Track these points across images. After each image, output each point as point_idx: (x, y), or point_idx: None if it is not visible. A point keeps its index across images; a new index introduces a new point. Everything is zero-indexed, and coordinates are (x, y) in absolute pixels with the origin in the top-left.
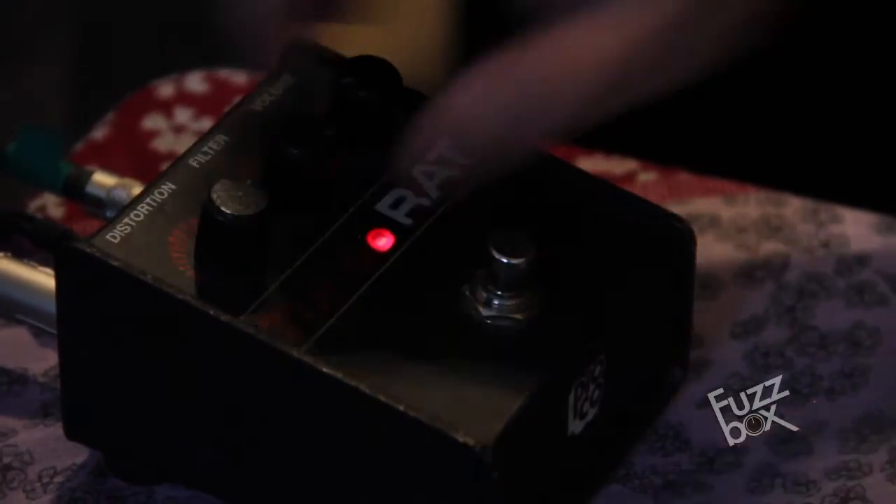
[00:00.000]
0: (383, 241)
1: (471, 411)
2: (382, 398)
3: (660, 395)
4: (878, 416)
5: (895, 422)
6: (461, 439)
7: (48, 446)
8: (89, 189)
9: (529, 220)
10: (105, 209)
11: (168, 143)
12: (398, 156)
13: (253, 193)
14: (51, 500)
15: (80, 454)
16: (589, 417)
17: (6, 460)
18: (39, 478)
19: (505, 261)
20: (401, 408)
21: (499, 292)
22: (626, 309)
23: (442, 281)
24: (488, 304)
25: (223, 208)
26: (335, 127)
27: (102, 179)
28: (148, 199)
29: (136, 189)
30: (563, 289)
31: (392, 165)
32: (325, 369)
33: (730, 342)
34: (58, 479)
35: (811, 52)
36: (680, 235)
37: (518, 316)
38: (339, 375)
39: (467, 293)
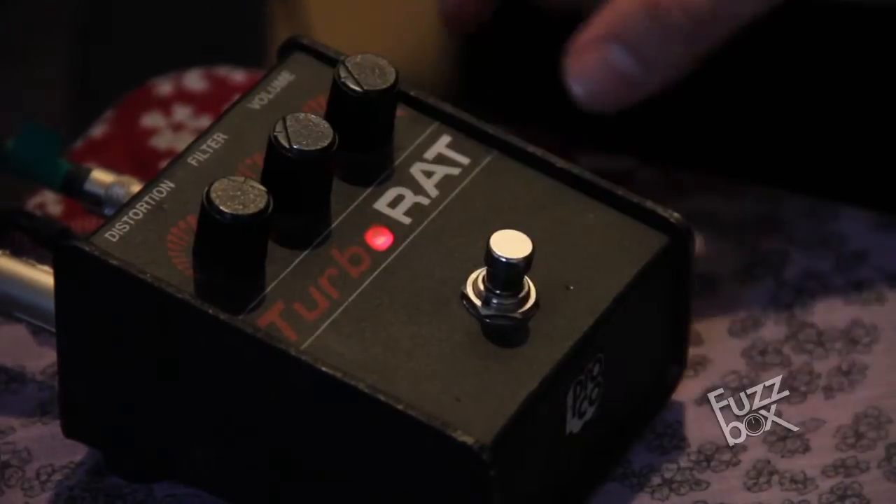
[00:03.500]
0: (382, 240)
1: (469, 410)
2: (381, 397)
3: (658, 394)
4: (875, 413)
5: (892, 419)
6: (460, 438)
7: (46, 444)
8: (88, 187)
9: (528, 219)
10: (104, 207)
11: (167, 140)
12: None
13: (251, 192)
14: (49, 498)
15: (78, 452)
16: (587, 416)
17: (4, 458)
18: (37, 475)
19: (504, 259)
20: (399, 407)
21: (497, 291)
22: (624, 307)
23: (440, 280)
24: (487, 302)
25: (222, 207)
26: (334, 125)
27: (101, 177)
28: (146, 198)
29: (135, 187)
30: (561, 287)
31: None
32: (323, 368)
33: (728, 340)
34: (56, 476)
35: (809, 51)
36: (678, 233)
37: (516, 315)
38: (337, 374)
39: (466, 292)
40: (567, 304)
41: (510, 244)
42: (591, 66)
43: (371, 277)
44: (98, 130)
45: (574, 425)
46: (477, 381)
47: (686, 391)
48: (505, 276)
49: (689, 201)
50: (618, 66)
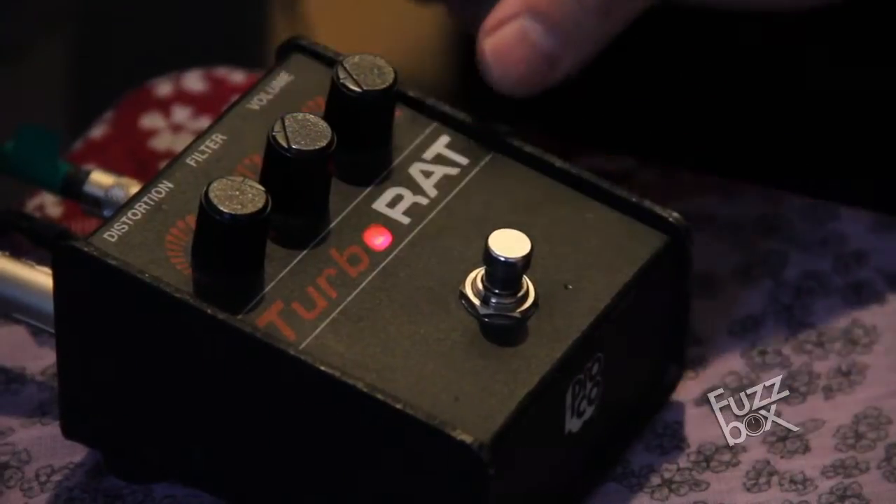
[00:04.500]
0: (381, 240)
1: (468, 409)
2: (379, 396)
3: (657, 394)
4: (875, 413)
5: (892, 419)
6: (458, 437)
7: (45, 445)
8: (87, 188)
9: (526, 219)
10: (103, 208)
11: (166, 141)
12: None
13: (250, 192)
14: (48, 498)
15: (77, 453)
16: (587, 416)
17: (3, 459)
18: (37, 476)
19: (502, 259)
20: (398, 406)
21: (496, 290)
22: (623, 307)
23: (439, 279)
24: (486, 302)
25: (220, 207)
26: (333, 125)
27: (100, 179)
28: (145, 198)
29: (134, 188)
30: (560, 286)
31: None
32: (321, 368)
33: (727, 340)
34: (55, 477)
35: (809, 50)
36: (678, 233)
37: (515, 314)
38: (336, 374)
39: (465, 291)
40: (566, 303)
41: (509, 243)
42: (507, 42)
43: (370, 277)
44: (97, 131)
45: (573, 425)
46: (476, 381)
47: (685, 391)
48: (503, 275)
49: (688, 201)
50: (535, 41)
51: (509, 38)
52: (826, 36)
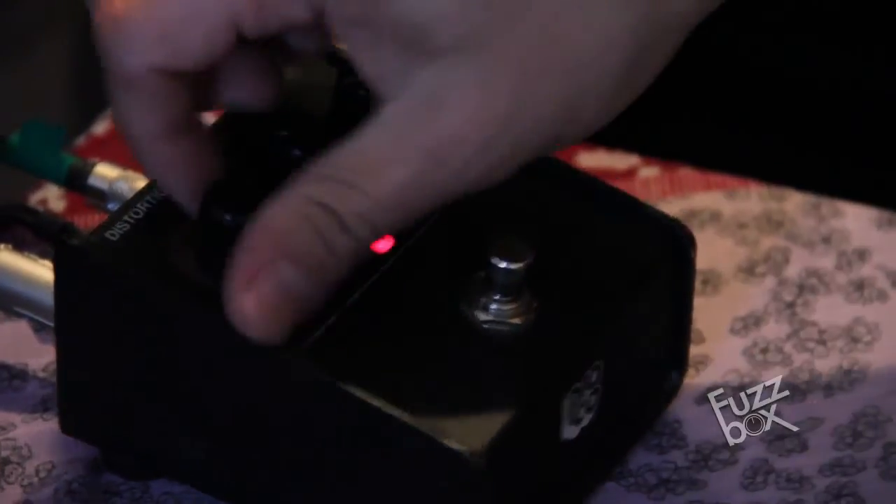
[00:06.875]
0: (382, 244)
1: (464, 418)
2: (376, 403)
3: (657, 399)
4: (873, 412)
5: (890, 418)
6: (454, 446)
7: (46, 441)
8: (91, 181)
9: (528, 224)
10: (107, 201)
11: None
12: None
13: (252, 193)
14: (48, 494)
15: (77, 449)
16: (584, 423)
17: (4, 454)
18: (37, 472)
19: (503, 265)
20: (394, 413)
21: (496, 297)
22: (624, 314)
23: (440, 284)
24: (486, 308)
25: (222, 209)
26: (336, 126)
27: (105, 171)
28: (147, 197)
29: (139, 181)
30: (560, 294)
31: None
32: (319, 373)
33: (729, 338)
34: (55, 473)
35: (812, 49)
36: (679, 239)
37: (515, 321)
38: (333, 380)
39: (465, 297)
40: (566, 310)
41: (510, 250)
42: (267, 292)
43: (370, 281)
44: (100, 127)
45: (570, 432)
46: (473, 388)
47: (686, 390)
48: (504, 281)
49: (691, 199)
50: (291, 288)
51: (270, 289)
52: (829, 34)
